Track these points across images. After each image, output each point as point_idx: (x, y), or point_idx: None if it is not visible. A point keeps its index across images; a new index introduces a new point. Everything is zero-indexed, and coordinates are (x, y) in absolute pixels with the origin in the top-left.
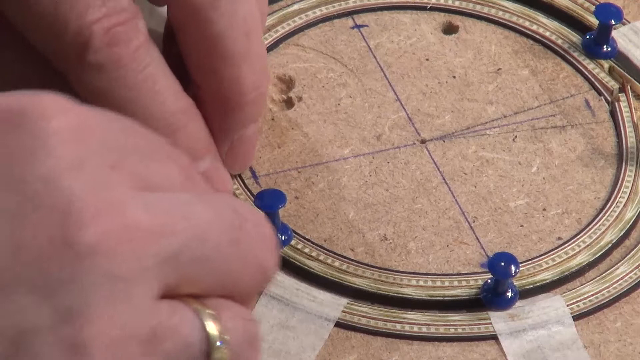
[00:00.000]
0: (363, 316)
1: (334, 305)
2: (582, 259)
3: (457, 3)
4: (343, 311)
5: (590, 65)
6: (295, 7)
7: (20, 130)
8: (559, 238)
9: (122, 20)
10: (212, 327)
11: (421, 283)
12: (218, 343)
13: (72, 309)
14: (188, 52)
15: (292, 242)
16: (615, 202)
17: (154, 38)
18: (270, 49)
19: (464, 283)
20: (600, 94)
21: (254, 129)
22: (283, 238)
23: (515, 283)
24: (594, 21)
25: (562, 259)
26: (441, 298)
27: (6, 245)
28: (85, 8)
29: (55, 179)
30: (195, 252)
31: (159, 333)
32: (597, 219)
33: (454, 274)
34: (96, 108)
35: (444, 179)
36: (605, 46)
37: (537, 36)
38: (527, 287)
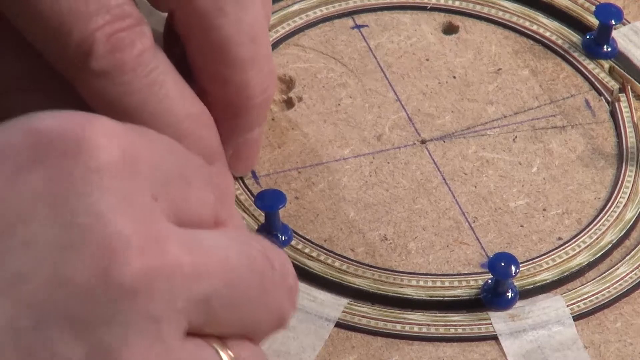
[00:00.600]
0: (363, 316)
1: (334, 305)
2: (582, 259)
3: (457, 3)
4: (343, 311)
5: (590, 65)
6: (296, 7)
7: (74, 161)
8: (559, 238)
9: (126, 26)
10: None
11: (421, 283)
12: None
13: (108, 347)
14: (194, 57)
15: (292, 242)
16: (616, 203)
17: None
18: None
19: (464, 283)
20: (600, 94)
21: (259, 132)
22: (283, 238)
23: (516, 283)
24: (594, 21)
25: (562, 259)
26: (441, 298)
27: (50, 278)
28: (89, 15)
29: (104, 214)
30: (226, 297)
31: None
32: (597, 219)
33: (454, 274)
34: (140, 128)
35: (444, 179)
36: (605, 46)
37: (537, 36)
38: (527, 287)
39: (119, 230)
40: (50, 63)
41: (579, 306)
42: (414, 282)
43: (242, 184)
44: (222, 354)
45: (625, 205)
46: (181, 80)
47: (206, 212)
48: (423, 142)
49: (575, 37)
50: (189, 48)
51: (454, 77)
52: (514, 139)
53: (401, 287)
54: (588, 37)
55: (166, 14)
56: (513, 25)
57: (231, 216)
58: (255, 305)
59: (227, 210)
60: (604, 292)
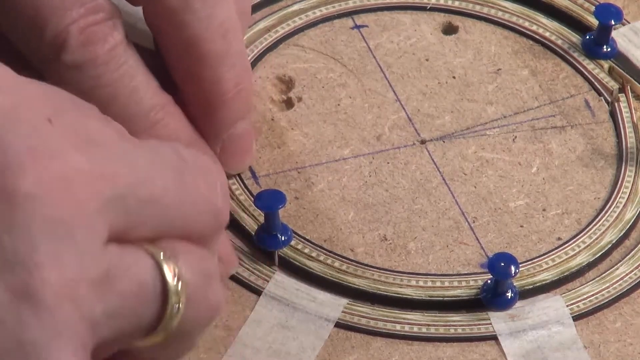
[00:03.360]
0: (363, 316)
1: (334, 305)
2: (582, 259)
3: (457, 3)
4: (343, 311)
5: (590, 65)
6: (295, 7)
7: None
8: (559, 238)
9: (99, 20)
10: (166, 267)
11: (421, 283)
12: (172, 282)
13: (17, 255)
14: (166, 55)
15: (292, 243)
16: (615, 203)
17: (144, 38)
18: (270, 49)
19: (463, 283)
20: (600, 94)
21: (244, 127)
22: (283, 239)
23: (515, 283)
24: (593, 21)
25: (562, 259)
26: (441, 298)
27: None
28: (63, 9)
29: None
30: (140, 194)
31: (110, 275)
32: (597, 219)
33: (454, 275)
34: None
35: (443, 179)
36: (605, 46)
37: (537, 36)
38: (527, 287)
39: (7, 143)
40: (24, 54)
41: (578, 306)
42: (413, 282)
43: (241, 184)
44: (155, 254)
45: (624, 205)
46: (148, 73)
47: (107, 136)
48: (423, 142)
49: (575, 37)
50: (161, 45)
51: (454, 77)
52: (513, 139)
53: (401, 287)
54: (588, 37)
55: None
56: (513, 26)
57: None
58: (176, 199)
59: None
60: (603, 292)
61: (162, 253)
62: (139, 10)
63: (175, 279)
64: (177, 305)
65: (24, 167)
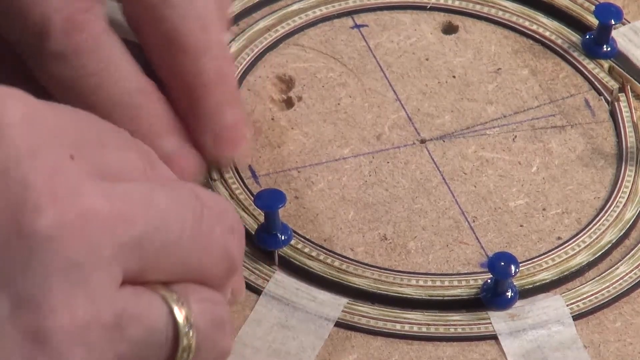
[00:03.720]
0: (363, 316)
1: (334, 305)
2: (582, 258)
3: (457, 3)
4: (343, 311)
5: (590, 65)
6: (295, 6)
7: None
8: (559, 238)
9: (82, 8)
10: (178, 312)
11: (421, 283)
12: (184, 328)
13: (31, 297)
14: (147, 50)
15: (292, 242)
16: (615, 202)
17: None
18: (270, 48)
19: (463, 283)
20: (600, 94)
21: (234, 117)
22: (283, 238)
23: (515, 283)
24: (594, 21)
25: (562, 259)
26: (441, 298)
27: None
28: None
29: (11, 168)
30: (157, 239)
31: (123, 319)
32: (597, 218)
33: (454, 274)
34: (49, 101)
35: (443, 178)
36: (605, 46)
37: (537, 36)
38: (527, 287)
39: (27, 182)
40: (10, 46)
41: (578, 306)
42: (413, 282)
43: (241, 183)
44: (169, 299)
45: (624, 205)
46: (131, 59)
47: (129, 170)
48: (423, 141)
49: (575, 37)
50: (142, 41)
51: (454, 77)
52: (513, 139)
53: (401, 287)
54: (588, 36)
55: None
56: (513, 25)
57: (164, 177)
58: (192, 245)
59: (159, 173)
60: (603, 291)
61: (175, 297)
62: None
63: (188, 325)
64: (187, 352)
65: (43, 207)
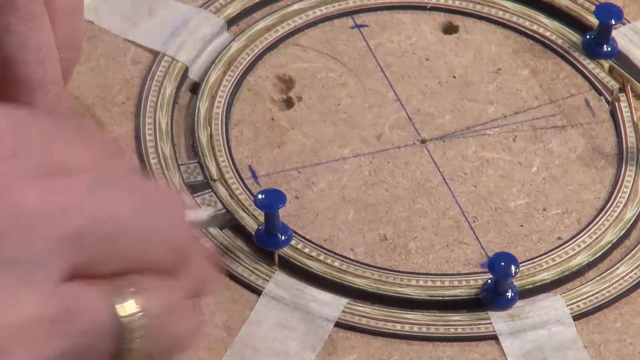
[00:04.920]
0: (363, 316)
1: (334, 305)
2: (582, 259)
3: (457, 3)
4: (343, 311)
5: (590, 65)
6: (295, 7)
7: None
8: (559, 238)
9: None
10: (124, 303)
11: (421, 283)
12: (129, 318)
13: None
14: None
15: (292, 242)
16: (615, 202)
17: None
18: (270, 48)
19: (464, 283)
20: (600, 94)
21: None
22: (283, 238)
23: (515, 283)
24: (594, 21)
25: (562, 259)
26: (441, 298)
27: None
28: None
29: None
30: (99, 232)
31: (66, 314)
32: (597, 219)
33: (454, 274)
34: None
35: (444, 179)
36: (605, 46)
37: (537, 36)
38: (527, 287)
39: None
40: None
41: (578, 306)
42: (413, 282)
43: (242, 183)
44: (115, 291)
45: (625, 205)
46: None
47: (75, 165)
48: (423, 142)
49: (575, 37)
50: None
51: (454, 77)
52: (514, 139)
53: (401, 287)
54: (588, 36)
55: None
56: (513, 25)
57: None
58: (136, 237)
59: (111, 166)
60: (603, 291)
61: (121, 289)
62: None
63: (134, 314)
64: (134, 341)
65: None
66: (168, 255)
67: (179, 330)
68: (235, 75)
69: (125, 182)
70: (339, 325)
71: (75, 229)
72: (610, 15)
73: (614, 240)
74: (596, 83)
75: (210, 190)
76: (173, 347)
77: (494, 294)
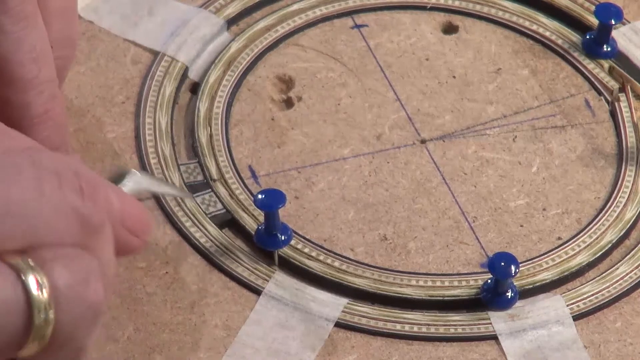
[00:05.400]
0: (363, 316)
1: (334, 305)
2: (582, 259)
3: (457, 3)
4: (343, 311)
5: (590, 65)
6: (295, 7)
7: None
8: (559, 238)
9: None
10: (28, 277)
11: (421, 283)
12: (36, 292)
13: None
14: None
15: (292, 242)
16: (615, 202)
17: None
18: (270, 48)
19: (464, 283)
20: (600, 94)
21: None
22: (283, 238)
23: (515, 283)
24: (594, 21)
25: (562, 259)
26: (441, 298)
27: None
28: None
29: None
30: None
31: None
32: (597, 219)
33: (454, 274)
34: None
35: (444, 179)
36: (605, 46)
37: (537, 36)
38: (527, 287)
39: None
40: None
41: (578, 306)
42: (413, 282)
43: (241, 183)
44: (20, 267)
45: (625, 205)
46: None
47: None
48: (423, 142)
49: (575, 37)
50: None
51: (454, 77)
52: (513, 139)
53: (401, 287)
54: (588, 36)
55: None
56: (513, 25)
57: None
58: (35, 210)
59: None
60: (603, 292)
61: (25, 263)
62: None
63: (41, 288)
64: (44, 314)
65: None
66: (72, 228)
67: (94, 299)
68: (235, 75)
69: (21, 159)
70: (339, 325)
71: None
72: (610, 15)
73: (614, 240)
74: (596, 83)
75: (210, 190)
76: (90, 317)
77: (494, 294)
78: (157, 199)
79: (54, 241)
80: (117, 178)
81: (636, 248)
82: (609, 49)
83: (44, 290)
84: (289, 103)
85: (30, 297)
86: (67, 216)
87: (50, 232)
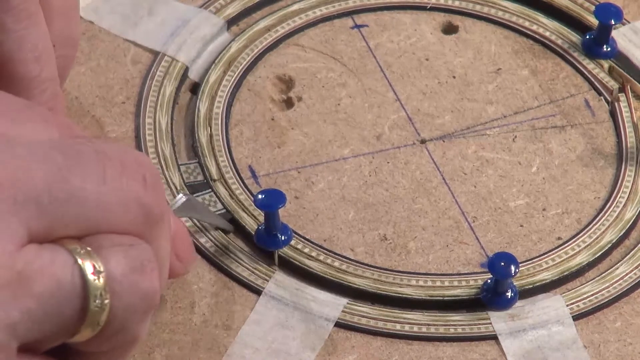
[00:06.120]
0: (363, 316)
1: (334, 305)
2: (582, 259)
3: (457, 3)
4: (343, 311)
5: (590, 65)
6: (295, 7)
7: None
8: (559, 238)
9: None
10: (85, 263)
11: (421, 283)
12: (92, 277)
13: None
14: None
15: (292, 242)
16: (615, 202)
17: None
18: (270, 48)
19: (464, 283)
20: (600, 94)
21: None
22: (283, 238)
23: (515, 283)
24: (594, 21)
25: (562, 259)
26: (441, 298)
27: None
28: None
29: None
30: (57, 195)
31: (25, 275)
32: (597, 219)
33: (454, 274)
34: None
35: (443, 179)
36: (605, 46)
37: (537, 36)
38: (527, 287)
39: None
40: None
41: (578, 306)
42: (413, 282)
43: (241, 183)
44: (76, 252)
45: (625, 205)
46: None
47: (26, 133)
48: (423, 142)
49: (575, 37)
50: None
51: (454, 77)
52: (513, 139)
53: (401, 287)
54: (588, 37)
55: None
56: (513, 25)
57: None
58: (97, 198)
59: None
60: (603, 291)
61: (83, 249)
62: None
63: (98, 274)
64: (100, 300)
65: None
66: (132, 216)
67: (148, 289)
68: (235, 75)
69: (82, 146)
70: (339, 325)
71: (33, 192)
72: (610, 15)
73: (614, 240)
74: (596, 83)
75: (210, 190)
76: (143, 306)
77: (494, 294)
78: None
79: (114, 229)
80: (187, 201)
81: (636, 248)
82: (608, 49)
83: (101, 277)
84: (289, 103)
85: (87, 282)
86: (128, 205)
87: (111, 220)
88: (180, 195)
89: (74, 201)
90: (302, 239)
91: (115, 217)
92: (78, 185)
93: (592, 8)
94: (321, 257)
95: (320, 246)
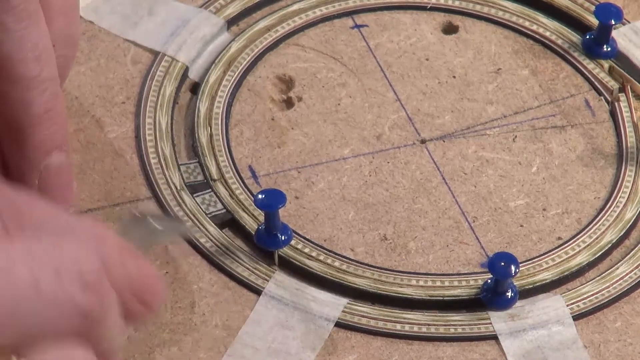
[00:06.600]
0: (363, 316)
1: (334, 305)
2: (582, 259)
3: (457, 3)
4: (343, 311)
5: (590, 65)
6: (295, 7)
7: None
8: (559, 238)
9: None
10: None
11: (421, 283)
12: None
13: None
14: None
15: (292, 242)
16: (615, 202)
17: None
18: (270, 48)
19: (464, 283)
20: (600, 94)
21: (61, 160)
22: (283, 238)
23: (515, 283)
24: (594, 21)
25: (562, 259)
26: (441, 298)
27: None
28: None
29: None
30: None
31: None
32: (597, 219)
33: (454, 274)
34: None
35: (444, 178)
36: (605, 46)
37: (537, 36)
38: (527, 287)
39: None
40: None
41: (578, 306)
42: (413, 282)
43: (241, 183)
44: None
45: (625, 205)
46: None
47: None
48: (423, 141)
49: (575, 37)
50: None
51: (454, 77)
52: (513, 139)
53: (401, 287)
54: (588, 37)
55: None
56: (513, 25)
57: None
58: (25, 306)
59: (17, 223)
60: (603, 291)
61: None
62: None
63: None
64: None
65: None
66: (67, 323)
67: None
68: (235, 75)
69: (12, 254)
70: (339, 325)
71: None
72: (610, 15)
73: (614, 240)
74: (596, 83)
75: (210, 190)
76: None
77: (494, 294)
78: (157, 198)
79: (49, 335)
80: (129, 224)
81: (636, 248)
82: (609, 49)
83: None
84: (289, 103)
85: None
86: (63, 311)
87: (45, 327)
88: (138, 219)
89: (2, 314)
90: (302, 239)
91: (50, 325)
92: (8, 296)
93: (592, 8)
94: (321, 257)
95: (321, 246)
